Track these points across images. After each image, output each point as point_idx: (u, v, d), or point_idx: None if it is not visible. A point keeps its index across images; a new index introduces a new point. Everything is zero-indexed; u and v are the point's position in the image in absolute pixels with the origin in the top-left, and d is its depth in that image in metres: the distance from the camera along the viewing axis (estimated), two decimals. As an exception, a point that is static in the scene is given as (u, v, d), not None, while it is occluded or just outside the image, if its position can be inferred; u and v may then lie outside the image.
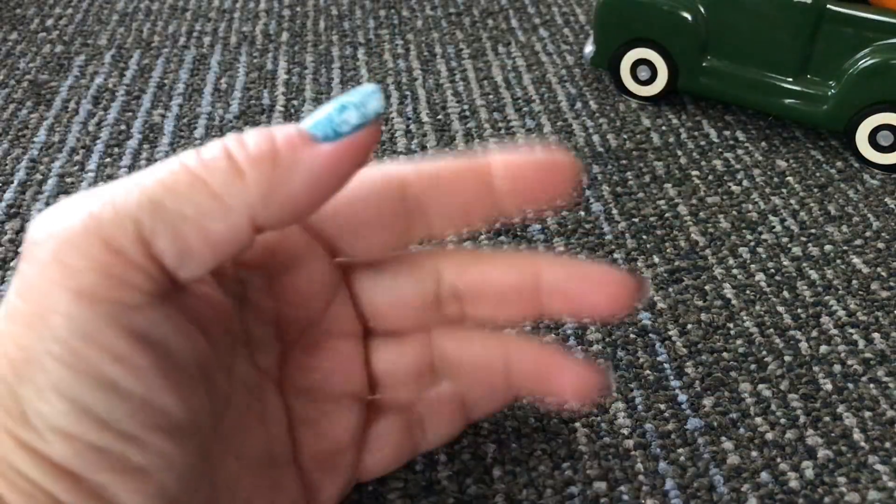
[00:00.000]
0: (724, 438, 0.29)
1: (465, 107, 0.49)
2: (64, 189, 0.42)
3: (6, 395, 0.17)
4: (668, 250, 0.38)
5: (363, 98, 0.19)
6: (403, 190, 0.23)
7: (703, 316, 0.35)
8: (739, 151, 0.46)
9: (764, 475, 0.28)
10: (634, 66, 0.49)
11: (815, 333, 0.34)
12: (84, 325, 0.17)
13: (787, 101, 0.45)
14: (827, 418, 0.30)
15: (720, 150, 0.46)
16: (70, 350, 0.17)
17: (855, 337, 0.34)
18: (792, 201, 0.42)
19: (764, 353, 0.33)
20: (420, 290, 0.24)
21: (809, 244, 0.39)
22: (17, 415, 0.17)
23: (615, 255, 0.38)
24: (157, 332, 0.18)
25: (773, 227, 0.40)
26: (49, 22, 0.59)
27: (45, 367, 0.17)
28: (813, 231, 0.39)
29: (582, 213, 0.41)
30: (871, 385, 0.31)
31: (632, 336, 0.34)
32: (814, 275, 0.37)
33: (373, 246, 0.24)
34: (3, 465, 0.17)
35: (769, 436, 0.29)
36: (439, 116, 0.48)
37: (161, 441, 0.18)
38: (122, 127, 0.47)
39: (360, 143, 0.18)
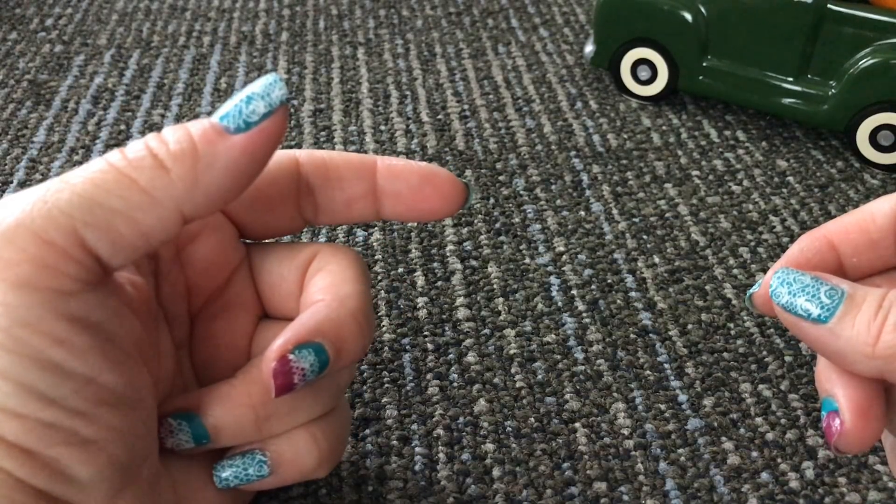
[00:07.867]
0: (724, 439, 0.29)
1: (465, 107, 0.49)
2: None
3: None
4: (668, 250, 0.38)
5: (267, 88, 0.20)
6: (296, 170, 0.24)
7: (704, 316, 0.34)
8: (740, 151, 0.45)
9: (764, 475, 0.28)
10: (635, 66, 0.49)
11: (815, 333, 0.34)
12: (23, 313, 0.18)
13: (788, 100, 0.45)
14: (827, 418, 0.30)
15: (720, 150, 0.46)
16: (12, 337, 0.18)
17: (855, 337, 0.34)
18: (792, 201, 0.42)
19: (764, 353, 0.33)
20: (296, 272, 0.25)
21: (810, 244, 0.38)
22: None
23: (615, 255, 0.38)
24: (95, 315, 0.19)
25: (774, 226, 0.40)
26: (49, 22, 0.59)
27: None
28: (813, 231, 0.39)
29: (582, 213, 0.41)
30: (872, 385, 0.31)
31: (632, 336, 0.33)
32: (814, 275, 0.37)
33: (268, 221, 0.24)
34: None
35: (769, 436, 0.29)
36: (439, 116, 0.48)
37: (108, 414, 0.19)
38: (122, 127, 0.47)
39: (270, 131, 0.20)
